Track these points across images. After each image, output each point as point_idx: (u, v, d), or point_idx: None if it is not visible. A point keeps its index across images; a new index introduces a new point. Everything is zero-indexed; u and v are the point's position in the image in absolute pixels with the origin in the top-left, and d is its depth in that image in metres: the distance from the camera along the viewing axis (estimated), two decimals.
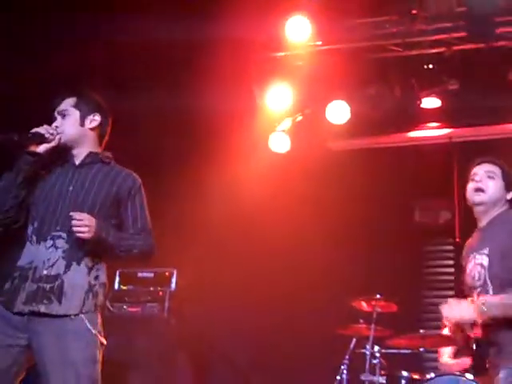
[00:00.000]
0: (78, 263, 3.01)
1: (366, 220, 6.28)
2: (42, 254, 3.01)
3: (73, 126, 3.20)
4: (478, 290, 3.16)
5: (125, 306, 5.62)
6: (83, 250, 3.02)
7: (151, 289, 5.70)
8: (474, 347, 4.91)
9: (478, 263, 3.21)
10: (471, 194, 3.40)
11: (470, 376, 4.68)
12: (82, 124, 3.23)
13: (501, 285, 3.06)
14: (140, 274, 5.78)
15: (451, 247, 6.64)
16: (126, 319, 5.52)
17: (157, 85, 5.73)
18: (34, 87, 5.25)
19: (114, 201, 3.14)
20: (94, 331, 2.96)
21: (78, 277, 3.00)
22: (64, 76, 5.17)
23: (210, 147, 5.99)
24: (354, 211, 6.18)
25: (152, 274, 5.79)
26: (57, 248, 3.01)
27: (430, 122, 6.42)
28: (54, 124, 3.18)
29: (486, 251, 3.20)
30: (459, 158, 6.45)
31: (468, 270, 3.28)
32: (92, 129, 3.25)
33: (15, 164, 3.07)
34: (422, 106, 6.13)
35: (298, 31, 5.76)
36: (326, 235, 6.12)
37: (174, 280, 5.74)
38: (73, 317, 2.93)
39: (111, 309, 5.52)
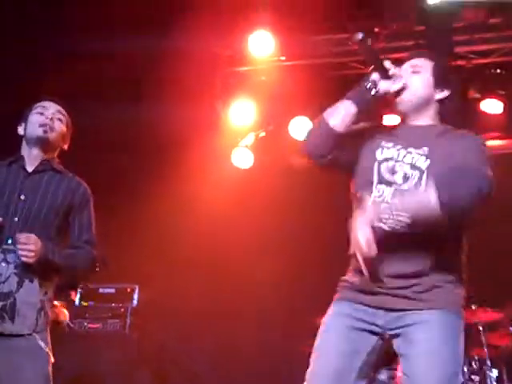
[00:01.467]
0: (31, 280, 2.93)
1: (331, 234, 6.29)
2: None
3: None
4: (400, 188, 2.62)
5: (85, 323, 5.53)
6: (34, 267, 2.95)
7: (113, 305, 5.63)
8: None
9: (408, 162, 2.65)
10: None
11: None
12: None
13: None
14: (101, 290, 5.70)
15: None
16: (88, 336, 5.44)
17: (118, 99, 5.67)
18: None
19: (65, 210, 3.07)
20: (46, 350, 2.91)
21: (31, 295, 2.93)
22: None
23: (173, 161, 5.95)
24: (318, 226, 6.20)
25: (113, 290, 5.72)
26: (8, 263, 2.91)
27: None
28: None
29: (423, 151, 2.66)
30: None
31: (386, 163, 2.69)
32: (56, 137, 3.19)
33: None
34: (384, 123, 6.19)
35: (262, 46, 5.80)
36: (290, 250, 6.14)
37: (135, 296, 5.68)
38: (26, 336, 2.86)
39: (72, 325, 5.44)
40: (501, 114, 5.95)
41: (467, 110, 5.87)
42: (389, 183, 2.66)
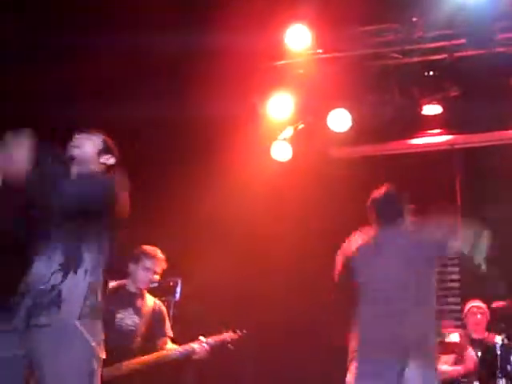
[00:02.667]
0: (75, 271, 3.01)
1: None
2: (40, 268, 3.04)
3: None
4: None
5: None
6: (79, 258, 3.01)
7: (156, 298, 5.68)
8: (480, 354, 4.93)
9: None
10: None
11: (477, 383, 4.70)
12: None
13: None
14: None
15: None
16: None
17: (161, 95, 5.74)
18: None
19: None
20: (92, 343, 2.95)
21: (75, 285, 3.00)
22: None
23: (213, 156, 6.00)
24: (357, 217, 6.16)
25: (156, 284, 5.77)
26: (51, 261, 3.03)
27: (431, 128, 6.43)
28: None
29: None
30: (461, 165, 6.46)
31: None
32: None
33: None
34: (423, 112, 6.16)
35: (299, 40, 5.80)
36: (329, 242, 6.12)
37: (178, 289, 5.72)
38: (71, 323, 2.93)
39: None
40: None
41: (509, 96, 5.82)
42: None
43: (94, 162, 3.22)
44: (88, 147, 3.23)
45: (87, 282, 3.03)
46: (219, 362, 5.07)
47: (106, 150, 3.27)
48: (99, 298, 3.07)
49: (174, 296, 5.72)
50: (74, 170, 3.20)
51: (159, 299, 5.67)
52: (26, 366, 2.96)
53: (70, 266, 3.01)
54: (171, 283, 5.76)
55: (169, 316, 5.63)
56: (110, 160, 3.27)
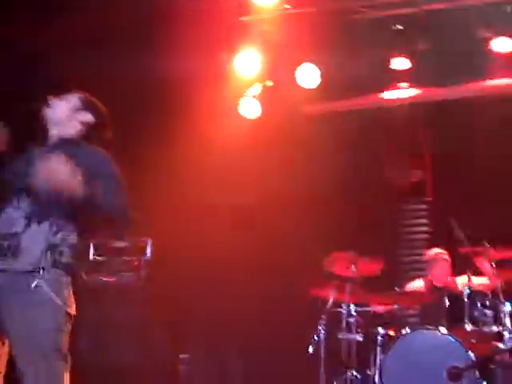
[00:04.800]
0: (39, 222, 2.97)
1: (339, 181, 6.30)
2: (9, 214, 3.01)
3: None
4: None
5: (100, 277, 5.59)
6: (46, 211, 2.99)
7: (126, 258, 5.68)
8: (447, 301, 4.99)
9: None
10: None
11: (443, 330, 4.75)
12: None
13: None
14: (114, 244, 5.75)
15: (424, 206, 6.72)
16: (102, 289, 5.50)
17: (128, 55, 5.66)
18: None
19: None
20: (53, 298, 2.90)
21: (37, 235, 2.96)
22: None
23: (180, 115, 5.93)
24: (326, 172, 6.18)
25: (127, 244, 5.76)
26: (19, 208, 2.99)
27: (399, 82, 6.42)
28: None
29: None
30: (428, 119, 6.48)
31: None
32: None
33: None
34: (392, 67, 6.14)
35: None
36: (298, 196, 6.15)
37: (148, 249, 5.72)
38: (30, 274, 2.88)
39: (86, 279, 5.49)
40: None
41: (477, 50, 5.82)
42: None
43: (70, 121, 3.18)
44: (60, 107, 3.18)
45: (51, 235, 3.00)
46: None
47: (83, 108, 3.21)
48: (69, 255, 3.04)
49: (145, 255, 5.73)
50: (54, 132, 3.16)
51: (129, 259, 5.69)
52: None
53: (34, 216, 2.98)
54: (142, 243, 5.76)
55: (141, 275, 5.65)
56: (87, 117, 3.21)
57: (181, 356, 5.88)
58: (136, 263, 5.71)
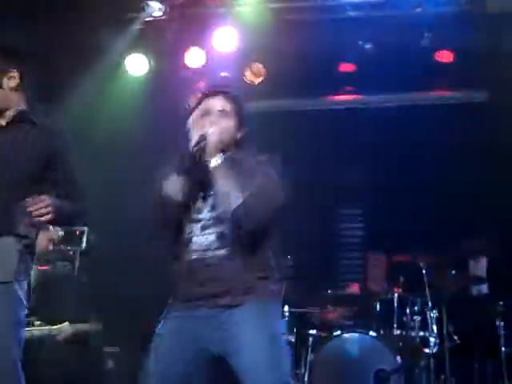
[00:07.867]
0: (8, 234, 2.93)
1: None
2: None
3: None
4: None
5: (35, 266, 5.49)
6: (14, 219, 2.93)
7: (61, 247, 5.60)
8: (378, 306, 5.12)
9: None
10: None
11: (372, 333, 4.88)
12: None
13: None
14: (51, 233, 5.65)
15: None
16: (37, 278, 5.41)
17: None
18: None
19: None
20: (21, 297, 2.94)
21: (6, 247, 2.92)
22: None
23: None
24: None
25: (62, 233, 5.68)
26: None
27: (346, 86, 6.50)
28: None
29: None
30: (371, 124, 6.56)
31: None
32: None
33: None
34: (339, 69, 6.23)
35: None
36: None
37: (84, 239, 5.66)
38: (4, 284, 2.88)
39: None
40: None
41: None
42: None
43: None
44: None
45: (20, 243, 2.95)
46: None
47: None
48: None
49: (80, 245, 5.66)
50: None
51: (65, 248, 5.60)
52: None
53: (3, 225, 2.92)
54: (77, 232, 5.68)
55: (75, 265, 5.58)
56: None
57: None
58: (71, 253, 5.64)
